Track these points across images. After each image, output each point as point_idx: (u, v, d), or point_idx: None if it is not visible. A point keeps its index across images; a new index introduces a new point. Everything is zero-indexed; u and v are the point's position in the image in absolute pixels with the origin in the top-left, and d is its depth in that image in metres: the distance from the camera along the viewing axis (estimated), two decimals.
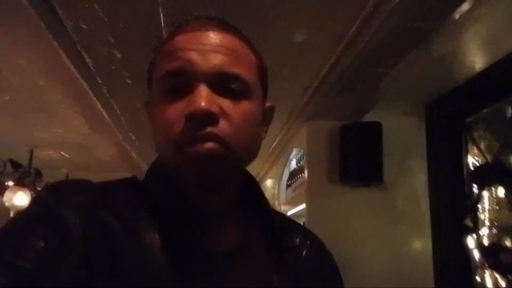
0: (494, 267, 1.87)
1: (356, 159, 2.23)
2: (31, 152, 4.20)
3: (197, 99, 0.53)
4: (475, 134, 2.18)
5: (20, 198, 4.05)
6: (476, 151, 2.15)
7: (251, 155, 0.61)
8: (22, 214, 0.55)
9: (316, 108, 2.32)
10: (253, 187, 0.66)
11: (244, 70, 0.58)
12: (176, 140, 0.54)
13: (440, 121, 2.28)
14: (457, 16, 1.46)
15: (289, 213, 2.90)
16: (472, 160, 2.18)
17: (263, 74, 0.63)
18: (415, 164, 2.34)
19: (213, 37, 0.57)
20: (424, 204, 2.28)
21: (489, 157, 2.05)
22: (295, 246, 0.65)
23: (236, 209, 0.63)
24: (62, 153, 4.27)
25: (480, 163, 2.10)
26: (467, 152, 2.19)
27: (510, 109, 1.92)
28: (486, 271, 1.96)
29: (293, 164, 3.17)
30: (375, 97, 2.16)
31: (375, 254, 2.31)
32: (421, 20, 1.46)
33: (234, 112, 0.55)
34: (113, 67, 2.04)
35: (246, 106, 0.57)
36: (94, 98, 2.43)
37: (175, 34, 0.59)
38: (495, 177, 1.90)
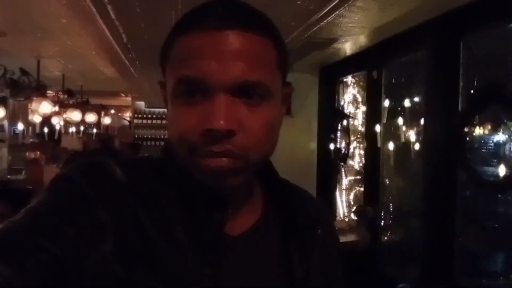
0: (338, 158, 3.82)
1: None
2: (38, 62, 4.70)
3: (215, 114, 0.52)
4: (345, 88, 4.00)
5: (45, 107, 4.81)
6: (343, 98, 3.99)
7: (270, 155, 0.61)
8: (52, 190, 0.55)
9: None
10: (268, 166, 0.66)
11: (265, 73, 0.55)
12: (192, 150, 0.54)
13: (326, 79, 4.09)
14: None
15: None
16: (342, 103, 4.01)
17: (283, 63, 0.60)
18: (310, 103, 4.16)
19: (232, 41, 0.53)
20: (314, 125, 4.15)
21: (348, 103, 3.89)
22: (309, 225, 0.66)
23: (252, 190, 0.64)
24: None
25: (341, 107, 3.95)
26: (339, 98, 4.03)
27: (375, 72, 3.27)
28: (339, 161, 3.91)
29: None
30: (290, 63, 3.83)
31: (281, 156, 4.08)
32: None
33: (253, 122, 0.54)
34: None
35: (266, 112, 0.56)
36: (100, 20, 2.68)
37: (191, 30, 0.55)
38: (342, 115, 3.77)
